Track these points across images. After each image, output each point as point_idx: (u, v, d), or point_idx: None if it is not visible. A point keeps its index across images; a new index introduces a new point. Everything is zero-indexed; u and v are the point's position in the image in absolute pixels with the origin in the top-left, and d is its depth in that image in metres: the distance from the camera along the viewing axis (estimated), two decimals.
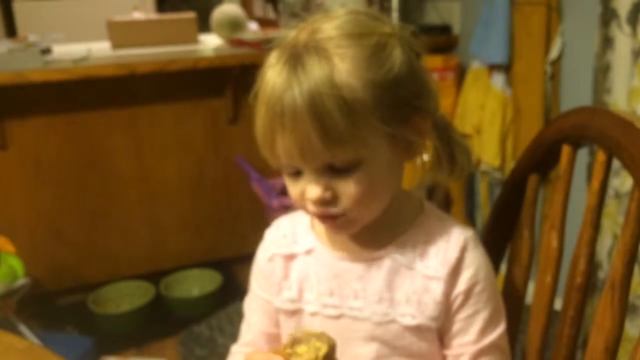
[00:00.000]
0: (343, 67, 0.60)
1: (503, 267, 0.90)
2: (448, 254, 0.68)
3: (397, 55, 0.63)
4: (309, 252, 0.74)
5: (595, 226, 0.69)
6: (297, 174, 0.65)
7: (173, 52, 2.26)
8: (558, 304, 0.75)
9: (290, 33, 0.65)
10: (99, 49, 2.33)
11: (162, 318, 2.17)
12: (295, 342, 0.61)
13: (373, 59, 0.61)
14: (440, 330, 0.69)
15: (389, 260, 0.69)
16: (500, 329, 0.69)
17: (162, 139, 2.30)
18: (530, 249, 0.82)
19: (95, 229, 2.28)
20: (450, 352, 0.69)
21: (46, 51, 2.17)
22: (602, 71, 1.63)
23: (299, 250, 0.74)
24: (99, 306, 2.15)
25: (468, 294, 0.68)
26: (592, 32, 1.69)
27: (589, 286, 0.70)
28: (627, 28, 1.51)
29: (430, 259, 0.69)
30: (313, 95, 0.59)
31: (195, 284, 2.29)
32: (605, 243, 1.60)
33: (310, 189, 0.63)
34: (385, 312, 0.69)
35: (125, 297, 2.22)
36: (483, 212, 2.31)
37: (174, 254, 2.39)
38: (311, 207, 0.65)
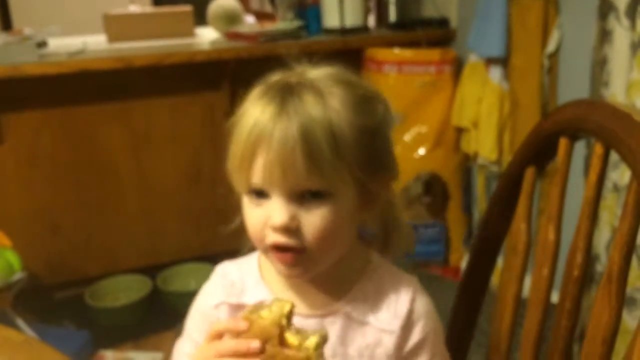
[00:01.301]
0: (334, 105, 0.63)
1: (500, 261, 0.90)
2: (399, 307, 0.70)
3: (380, 110, 0.68)
4: None
5: (593, 219, 0.69)
6: (262, 197, 0.65)
7: (169, 46, 2.25)
8: (554, 297, 0.75)
9: (274, 77, 0.68)
10: (95, 42, 2.32)
11: (159, 312, 2.17)
12: (256, 309, 0.60)
13: (360, 106, 0.65)
14: None
15: (342, 316, 0.70)
16: None
17: (159, 132, 2.29)
18: (527, 242, 0.82)
19: (92, 222, 2.28)
20: None
21: (42, 44, 2.16)
22: (600, 64, 1.63)
23: (248, 301, 0.71)
24: (96, 300, 2.15)
25: (422, 344, 0.70)
26: (590, 25, 1.69)
27: (586, 279, 0.70)
28: (625, 21, 1.51)
29: (382, 311, 0.70)
30: (307, 122, 0.61)
31: (192, 277, 2.29)
32: (603, 236, 1.60)
33: (277, 215, 0.63)
34: None
35: (122, 291, 2.22)
36: (480, 206, 2.32)
37: (171, 247, 2.39)
38: (272, 236, 0.64)
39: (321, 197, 0.63)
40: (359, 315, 0.70)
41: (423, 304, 0.71)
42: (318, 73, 0.67)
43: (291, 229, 0.63)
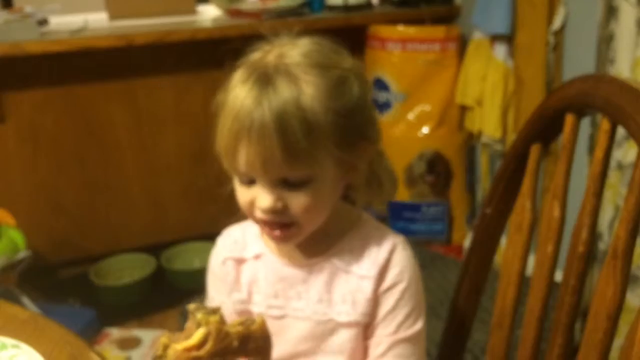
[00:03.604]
0: (309, 92, 0.66)
1: (504, 239, 0.90)
2: (379, 256, 0.76)
3: (355, 89, 0.71)
4: (257, 257, 0.80)
5: (598, 195, 0.69)
6: (250, 182, 0.70)
7: (171, 23, 2.23)
8: (558, 276, 0.74)
9: (256, 54, 0.72)
10: (96, 20, 2.30)
11: (163, 290, 2.18)
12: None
13: (335, 90, 0.68)
14: (368, 324, 0.77)
15: (329, 265, 0.77)
16: (417, 327, 0.77)
17: (162, 111, 2.28)
18: (532, 220, 0.81)
19: (96, 201, 2.28)
20: (371, 341, 0.77)
21: (43, 22, 2.14)
22: (606, 41, 1.61)
23: (248, 255, 0.81)
24: (101, 278, 2.16)
25: (392, 289, 0.76)
26: (596, 2, 1.66)
27: (590, 256, 0.70)
28: None
29: (364, 260, 0.77)
30: (281, 113, 0.65)
31: (196, 256, 2.30)
32: (606, 214, 1.60)
33: (263, 199, 0.69)
34: (324, 311, 0.77)
35: (126, 270, 2.23)
36: (483, 184, 2.31)
37: (175, 226, 2.40)
38: (259, 214, 0.71)
39: (303, 182, 0.68)
40: (343, 265, 0.77)
41: (402, 256, 0.77)
42: (296, 54, 0.69)
43: (277, 209, 0.69)
